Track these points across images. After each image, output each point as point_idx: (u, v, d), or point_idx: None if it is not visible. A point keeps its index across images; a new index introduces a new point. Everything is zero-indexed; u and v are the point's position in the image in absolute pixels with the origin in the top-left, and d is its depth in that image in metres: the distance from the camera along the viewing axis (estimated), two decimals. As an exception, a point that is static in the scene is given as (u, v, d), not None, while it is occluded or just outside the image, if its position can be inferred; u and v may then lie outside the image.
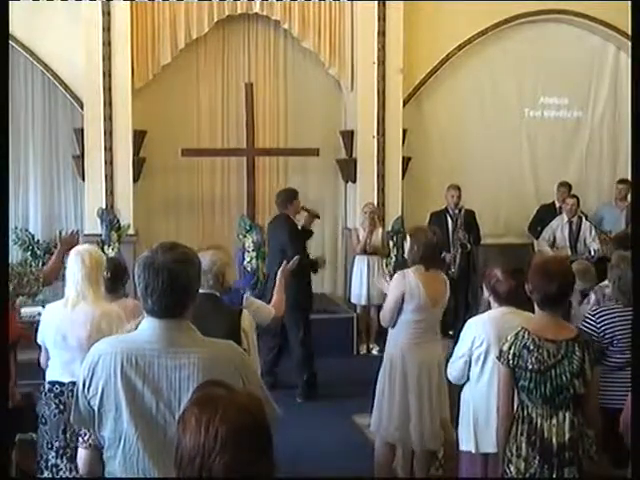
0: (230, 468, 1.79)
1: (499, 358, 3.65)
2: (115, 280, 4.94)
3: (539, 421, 3.58)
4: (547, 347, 3.56)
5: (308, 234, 7.98)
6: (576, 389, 3.55)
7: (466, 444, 4.37)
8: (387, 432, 5.13)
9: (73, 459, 4.27)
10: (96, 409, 2.64)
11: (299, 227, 7.76)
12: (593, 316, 4.58)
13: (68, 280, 4.39)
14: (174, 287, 2.60)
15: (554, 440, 3.55)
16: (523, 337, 3.59)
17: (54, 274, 5.49)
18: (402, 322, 5.07)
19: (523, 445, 3.59)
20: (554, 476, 3.54)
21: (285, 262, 5.61)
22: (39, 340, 4.47)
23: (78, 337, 4.25)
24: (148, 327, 2.65)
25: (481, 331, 4.21)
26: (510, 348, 3.60)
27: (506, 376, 3.64)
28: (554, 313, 3.66)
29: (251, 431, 1.85)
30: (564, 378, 3.53)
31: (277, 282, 5.38)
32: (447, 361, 4.83)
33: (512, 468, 3.63)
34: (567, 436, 3.55)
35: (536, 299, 3.69)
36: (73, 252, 4.46)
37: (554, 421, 3.56)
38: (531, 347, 3.56)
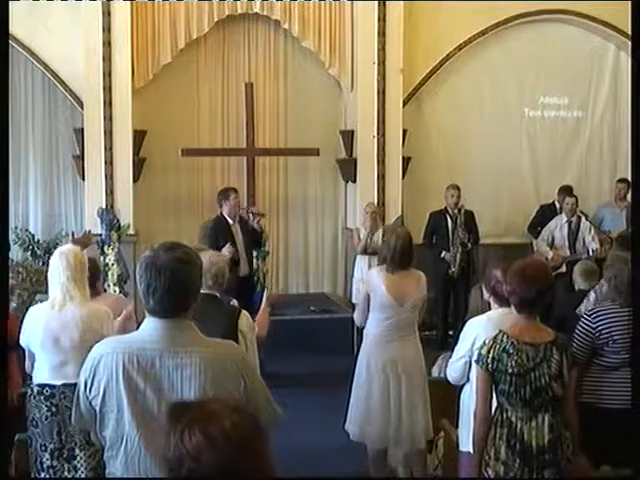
0: (222, 469, 1.78)
1: (477, 362, 3.66)
2: (91, 277, 4.87)
3: (519, 424, 3.58)
4: (526, 350, 3.57)
5: (257, 234, 8.09)
6: (554, 391, 3.55)
7: (466, 445, 4.35)
8: (352, 431, 5.22)
9: (70, 460, 4.27)
10: (98, 409, 2.64)
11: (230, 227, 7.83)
12: (589, 316, 4.55)
13: (52, 281, 4.32)
14: (176, 287, 2.60)
15: (534, 443, 3.55)
16: (502, 341, 3.60)
17: None
18: (371, 320, 5.21)
19: (502, 449, 3.60)
20: (534, 478, 3.54)
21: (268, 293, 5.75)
22: (23, 343, 4.38)
23: (70, 339, 4.22)
24: (149, 327, 2.65)
25: (481, 332, 4.20)
26: (489, 352, 3.60)
27: (484, 380, 3.65)
28: (531, 316, 3.67)
29: (245, 431, 1.83)
30: (543, 381, 3.54)
31: (262, 305, 5.29)
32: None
33: (490, 471, 3.64)
34: (547, 438, 3.55)
35: (514, 302, 3.70)
36: (57, 253, 4.40)
37: (533, 424, 3.57)
38: (510, 351, 3.56)
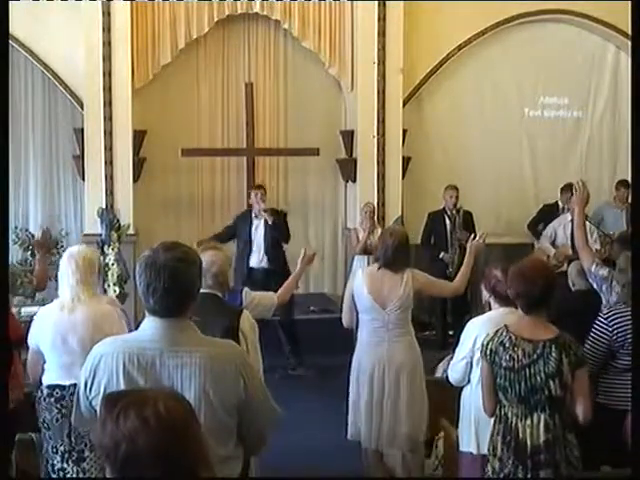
0: (157, 452, 1.78)
1: (480, 352, 3.72)
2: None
3: (514, 421, 3.59)
4: (523, 346, 3.57)
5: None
6: (552, 391, 3.53)
7: (467, 445, 4.36)
8: (349, 430, 5.21)
9: (79, 462, 4.26)
10: (98, 409, 2.63)
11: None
12: (605, 318, 4.49)
13: (62, 282, 4.32)
14: (175, 286, 2.60)
15: (528, 442, 3.54)
16: (501, 334, 3.64)
17: (44, 280, 5.55)
18: (360, 321, 5.16)
19: (499, 444, 3.61)
20: (528, 477, 3.53)
21: (304, 250, 5.53)
22: (31, 343, 4.36)
23: (80, 339, 4.21)
24: (149, 326, 2.65)
25: (482, 332, 4.20)
26: (488, 343, 3.66)
27: (485, 370, 3.70)
28: (539, 316, 3.66)
29: (176, 418, 1.85)
30: (538, 378, 3.53)
31: (298, 269, 5.35)
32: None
33: (489, 467, 3.67)
34: (542, 438, 3.53)
35: (520, 305, 3.70)
36: (66, 254, 4.39)
37: (528, 422, 3.56)
38: (507, 345, 3.59)
